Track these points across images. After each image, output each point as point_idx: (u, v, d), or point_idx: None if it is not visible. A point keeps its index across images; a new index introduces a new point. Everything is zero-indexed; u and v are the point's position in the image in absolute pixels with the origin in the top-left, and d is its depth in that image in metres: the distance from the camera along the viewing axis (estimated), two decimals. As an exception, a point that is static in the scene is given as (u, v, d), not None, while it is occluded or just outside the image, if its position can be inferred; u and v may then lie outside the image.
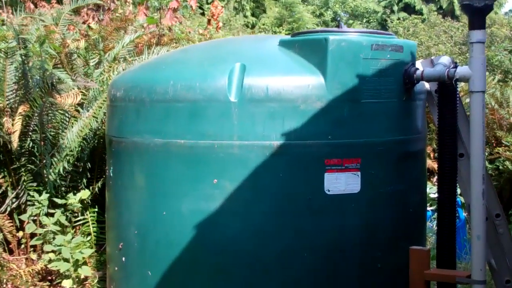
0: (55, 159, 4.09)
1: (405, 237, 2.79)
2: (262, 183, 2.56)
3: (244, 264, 2.59)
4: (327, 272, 2.61)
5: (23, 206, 4.08)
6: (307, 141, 2.53)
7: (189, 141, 2.59)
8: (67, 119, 4.20)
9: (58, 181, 4.12)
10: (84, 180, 4.28)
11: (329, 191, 2.55)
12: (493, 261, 2.85)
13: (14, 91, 4.08)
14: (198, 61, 2.87)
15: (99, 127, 4.24)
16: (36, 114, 4.02)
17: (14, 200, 4.09)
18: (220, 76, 2.58)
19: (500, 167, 6.03)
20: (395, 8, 28.23)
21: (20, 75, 4.11)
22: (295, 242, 2.57)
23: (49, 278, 3.99)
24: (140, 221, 2.79)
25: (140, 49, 5.14)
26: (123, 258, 2.87)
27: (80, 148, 4.16)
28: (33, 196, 4.00)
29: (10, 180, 4.11)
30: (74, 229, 4.14)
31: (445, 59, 2.71)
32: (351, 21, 28.60)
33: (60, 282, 3.81)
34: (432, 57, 2.86)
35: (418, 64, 2.81)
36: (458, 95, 2.73)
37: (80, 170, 4.27)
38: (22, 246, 4.13)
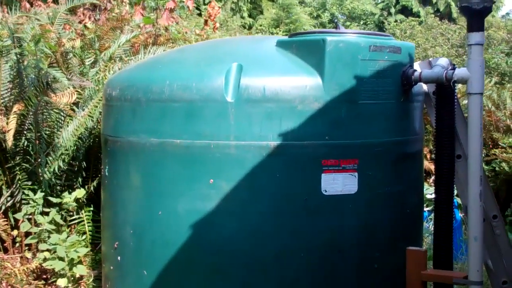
0: (50, 158, 4.08)
1: (403, 237, 2.78)
2: (259, 184, 2.54)
3: (241, 264, 2.58)
4: (324, 272, 2.60)
5: (18, 205, 4.07)
6: (304, 142, 2.52)
7: (185, 141, 2.57)
8: (62, 118, 4.19)
9: (53, 180, 4.11)
10: (80, 179, 4.27)
11: (326, 191, 2.54)
12: (490, 262, 2.85)
13: (9, 90, 4.07)
14: (195, 61, 2.85)
15: (95, 126, 4.23)
16: (31, 113, 4.00)
17: (9, 198, 4.07)
18: (217, 76, 2.57)
19: (497, 169, 6.05)
20: (392, 10, 28.28)
21: (15, 74, 4.10)
22: (292, 242, 2.56)
23: (44, 276, 3.97)
24: (136, 220, 2.78)
25: (136, 48, 5.13)
26: (119, 257, 2.85)
27: (75, 147, 4.15)
28: (28, 195, 3.99)
29: (5, 178, 4.09)
30: (69, 228, 4.13)
31: (443, 61, 2.70)
32: (348, 23, 28.63)
33: (55, 281, 3.80)
34: (430, 59, 2.85)
35: (416, 65, 2.80)
36: (456, 97, 2.72)
37: (75, 169, 4.26)
38: (17, 244, 4.12)
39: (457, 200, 4.58)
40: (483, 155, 5.67)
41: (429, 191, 5.16)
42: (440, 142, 2.72)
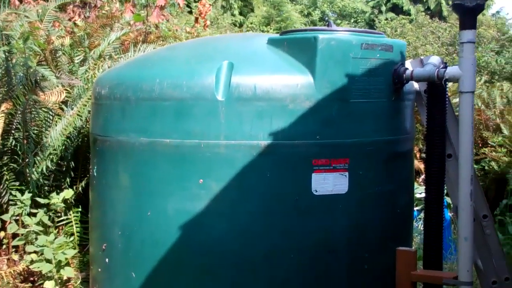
0: (38, 158, 4.03)
1: (393, 237, 2.77)
2: (249, 183, 2.52)
3: (231, 264, 2.56)
4: (315, 272, 2.58)
5: (5, 206, 4.02)
6: (295, 141, 2.50)
7: (175, 140, 2.54)
8: (51, 117, 4.15)
9: (41, 180, 4.06)
10: (68, 180, 4.23)
11: (316, 191, 2.52)
12: (479, 262, 2.85)
13: (-4, 88, 4.02)
14: (185, 59, 2.82)
15: (84, 126, 4.19)
16: (19, 112, 3.96)
17: (-4, 199, 4.02)
18: (207, 74, 2.54)
19: (486, 168, 6.07)
20: (383, 8, 28.34)
21: (3, 72, 4.05)
22: (282, 242, 2.54)
23: (31, 279, 3.93)
24: (125, 221, 2.74)
25: (126, 46, 5.09)
26: (107, 259, 2.82)
27: (63, 147, 4.11)
28: (15, 196, 3.94)
29: (-8, 179, 4.04)
30: (57, 229, 4.08)
31: (435, 59, 2.69)
32: (339, 21, 28.65)
33: (43, 283, 3.76)
34: (421, 57, 2.84)
35: (408, 64, 2.79)
36: (447, 96, 2.71)
37: (64, 169, 4.22)
38: (4, 246, 4.07)
39: (447, 199, 4.58)
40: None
41: (419, 190, 5.16)
42: (431, 141, 2.71)
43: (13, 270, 3.82)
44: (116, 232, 2.76)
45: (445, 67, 2.59)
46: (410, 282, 2.57)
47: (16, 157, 4.03)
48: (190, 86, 2.54)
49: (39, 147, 4.04)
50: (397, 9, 27.58)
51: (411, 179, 3.06)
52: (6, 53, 4.01)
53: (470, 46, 2.43)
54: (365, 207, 2.63)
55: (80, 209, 4.13)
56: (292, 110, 2.49)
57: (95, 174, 2.95)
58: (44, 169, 4.02)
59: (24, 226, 3.90)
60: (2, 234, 4.01)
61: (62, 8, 5.81)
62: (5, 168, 3.99)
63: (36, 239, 3.80)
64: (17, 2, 6.27)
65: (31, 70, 4.03)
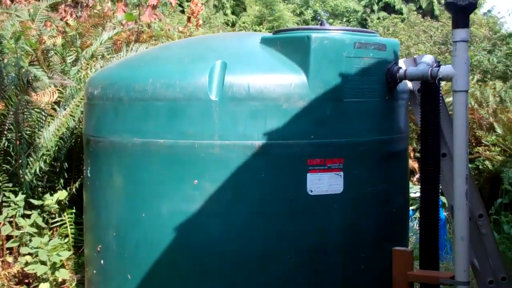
0: (31, 159, 4.01)
1: (389, 237, 2.76)
2: (244, 184, 2.51)
3: (226, 266, 2.54)
4: (310, 273, 2.57)
5: (-2, 207, 3.98)
6: (289, 141, 2.49)
7: (168, 140, 2.53)
8: (44, 117, 4.12)
9: (34, 181, 4.03)
10: (61, 181, 4.20)
11: (311, 191, 2.51)
12: (476, 262, 2.85)
13: (-12, 89, 3.98)
14: (178, 58, 2.81)
15: (77, 126, 4.17)
16: (11, 113, 3.92)
17: (-12, 201, 3.98)
18: (200, 74, 2.53)
19: (480, 167, 6.09)
20: (375, 7, 28.39)
21: (-6, 72, 4.01)
22: (277, 243, 2.53)
23: (26, 281, 3.90)
24: (119, 222, 2.73)
25: (119, 46, 5.06)
26: (102, 261, 2.80)
27: (57, 148, 4.08)
28: (8, 197, 3.91)
29: (-15, 180, 4.00)
30: (51, 231, 4.05)
31: (428, 58, 2.69)
32: (331, 20, 28.67)
33: (37, 286, 3.73)
34: (415, 56, 2.84)
35: (401, 63, 2.78)
36: (441, 95, 2.71)
37: (57, 170, 4.19)
38: (-2, 248, 4.03)
39: (442, 198, 4.59)
40: (467, 152, 5.68)
41: (413, 190, 5.17)
42: (425, 141, 2.71)
43: (8, 273, 3.79)
44: (111, 233, 2.74)
45: (439, 66, 2.59)
46: (407, 282, 2.57)
47: (9, 158, 4.00)
48: (183, 86, 2.52)
49: (32, 148, 4.01)
50: (389, 8, 27.64)
51: (406, 178, 3.06)
52: (-2, 54, 3.98)
53: (463, 45, 2.43)
54: (361, 207, 2.63)
55: (74, 210, 4.10)
56: (286, 109, 2.48)
57: (88, 175, 2.93)
58: (38, 170, 3.99)
59: (18, 227, 3.86)
60: (-4, 236, 3.98)
61: (53, 7, 5.77)
62: (-3, 170, 3.96)
63: (30, 240, 3.77)
64: (8, 2, 6.23)
65: (23, 70, 4.00)
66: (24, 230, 3.80)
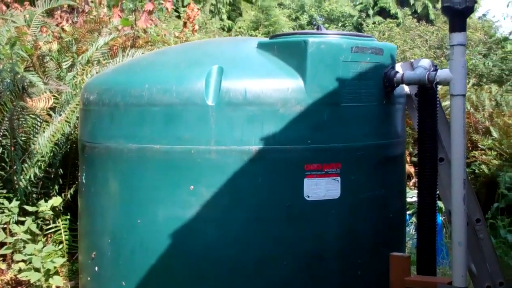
0: (26, 165, 3.98)
1: (386, 243, 2.75)
2: (240, 189, 2.49)
3: (222, 272, 2.53)
4: (308, 279, 2.55)
5: (-8, 214, 3.95)
6: (286, 146, 2.48)
7: (165, 146, 2.52)
8: (39, 123, 4.10)
9: (29, 187, 4.01)
10: (56, 187, 4.17)
11: (308, 197, 2.50)
12: (473, 267, 2.83)
13: (-17, 94, 3.96)
14: (175, 63, 2.79)
15: (72, 132, 4.14)
16: (6, 119, 3.90)
17: (-17, 207, 3.95)
18: (197, 79, 2.51)
19: (476, 171, 6.08)
20: (371, 12, 28.45)
21: (-11, 78, 3.99)
22: (274, 249, 2.52)
23: (19, 288, 3.87)
24: (114, 229, 2.71)
25: (115, 51, 5.05)
26: (96, 268, 2.78)
27: (52, 154, 4.06)
28: (2, 204, 3.88)
29: (-21, 187, 3.98)
30: (45, 238, 4.03)
31: (425, 62, 2.68)
32: (327, 25, 28.70)
33: (31, 292, 3.70)
34: (412, 60, 2.83)
35: (398, 67, 2.78)
36: (438, 99, 2.70)
37: (52, 176, 4.16)
38: (-9, 255, 4.00)
39: (438, 203, 4.58)
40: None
41: (410, 194, 5.15)
42: (423, 145, 2.69)
43: (1, 280, 3.75)
44: (106, 240, 2.72)
45: (436, 70, 2.58)
46: (404, 288, 2.55)
47: (3, 164, 3.97)
48: (180, 91, 2.51)
49: (26, 154, 3.99)
50: (384, 13, 27.70)
51: (403, 183, 3.05)
52: (-7, 59, 3.96)
53: (460, 49, 2.42)
54: (358, 212, 2.61)
55: (68, 217, 4.08)
56: (283, 114, 2.47)
57: (83, 181, 2.91)
58: (32, 177, 3.97)
59: (12, 234, 3.83)
60: (-10, 243, 3.95)
61: (49, 13, 5.75)
62: (-8, 176, 3.94)
63: (24, 247, 3.74)
64: (3, 7, 6.21)
65: (19, 76, 3.98)
66: (18, 237, 3.77)
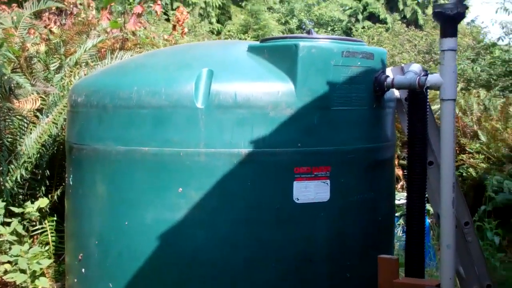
0: (12, 166, 3.95)
1: (375, 245, 2.75)
2: (229, 192, 2.48)
3: (210, 274, 2.52)
4: (296, 282, 2.55)
5: (-22, 216, 3.90)
6: (276, 149, 2.47)
7: (153, 148, 2.50)
8: (26, 125, 4.07)
9: (15, 189, 3.98)
10: (43, 188, 4.15)
11: (298, 199, 2.49)
12: (461, 269, 2.85)
13: (-31, 95, 3.92)
14: (164, 66, 2.78)
15: (59, 134, 4.12)
16: (-8, 120, 3.87)
17: (-32, 209, 3.91)
18: (186, 82, 2.50)
19: (464, 174, 6.12)
20: (360, 17, 28.56)
21: (-24, 79, 3.95)
22: (263, 251, 2.51)
23: (5, 290, 3.83)
24: (101, 231, 2.69)
25: (103, 53, 5.02)
26: (83, 270, 2.76)
27: (38, 155, 4.03)
28: (-12, 205, 3.83)
29: (-35, 188, 3.93)
30: (31, 239, 4.00)
31: (416, 67, 2.68)
32: (316, 29, 28.77)
33: (17, 294, 3.67)
34: (402, 65, 2.84)
35: (389, 71, 2.78)
36: (428, 103, 2.71)
37: (39, 177, 4.14)
38: (-23, 257, 3.95)
39: (426, 205, 4.59)
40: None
41: (398, 197, 5.17)
42: (412, 149, 2.70)
43: (-14, 282, 3.72)
44: (93, 242, 2.70)
45: (426, 74, 2.59)
46: (392, 290, 2.55)
47: (-11, 165, 3.93)
48: (169, 93, 2.50)
49: (13, 155, 3.96)
50: (373, 18, 27.82)
51: (392, 186, 3.05)
52: (-20, 60, 3.92)
53: (451, 54, 2.43)
54: (347, 215, 2.61)
55: (55, 218, 4.05)
56: (273, 118, 2.46)
57: (71, 183, 2.88)
58: (19, 178, 3.94)
59: (-3, 236, 3.80)
60: (-25, 244, 3.91)
61: (37, 15, 5.70)
62: (-22, 177, 3.89)
63: (10, 248, 3.72)
64: (-9, 9, 6.15)
65: (5, 77, 3.95)
66: (3, 238, 3.74)
